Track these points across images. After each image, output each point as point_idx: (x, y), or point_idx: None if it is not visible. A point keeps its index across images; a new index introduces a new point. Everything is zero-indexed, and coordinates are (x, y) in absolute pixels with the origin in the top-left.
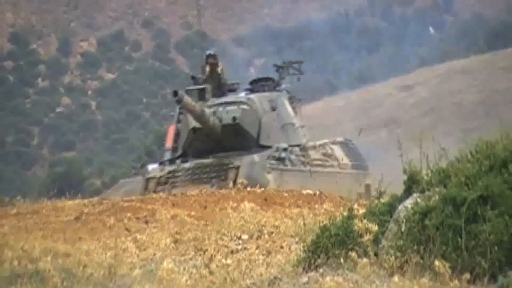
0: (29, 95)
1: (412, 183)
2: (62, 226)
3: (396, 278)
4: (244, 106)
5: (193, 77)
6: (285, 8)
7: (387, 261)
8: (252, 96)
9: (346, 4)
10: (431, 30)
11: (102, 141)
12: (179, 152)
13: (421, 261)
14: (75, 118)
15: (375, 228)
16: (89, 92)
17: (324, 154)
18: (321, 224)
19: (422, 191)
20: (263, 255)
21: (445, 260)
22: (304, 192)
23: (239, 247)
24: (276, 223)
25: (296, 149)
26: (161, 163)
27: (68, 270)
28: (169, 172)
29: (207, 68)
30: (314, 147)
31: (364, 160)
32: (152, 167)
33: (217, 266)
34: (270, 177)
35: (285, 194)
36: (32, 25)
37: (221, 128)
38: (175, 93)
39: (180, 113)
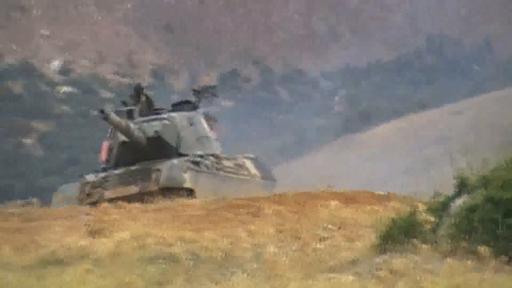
0: None
1: (461, 186)
2: (190, 219)
3: (448, 260)
4: (165, 122)
5: (123, 102)
6: (361, 49)
7: (441, 247)
8: (172, 114)
9: (408, 46)
10: (476, 67)
11: None
12: (112, 163)
13: (468, 247)
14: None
15: (433, 220)
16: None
17: (236, 165)
18: (391, 218)
19: (469, 192)
20: (346, 241)
21: (486, 246)
22: (376, 193)
23: (327, 235)
24: (356, 217)
25: (211, 157)
26: (96, 172)
27: (195, 253)
28: (102, 178)
29: (138, 95)
30: (227, 158)
31: (272, 173)
32: (88, 175)
33: (309, 250)
34: (186, 176)
35: (364, 195)
36: (167, 63)
37: (146, 140)
38: (102, 111)
39: (112, 131)
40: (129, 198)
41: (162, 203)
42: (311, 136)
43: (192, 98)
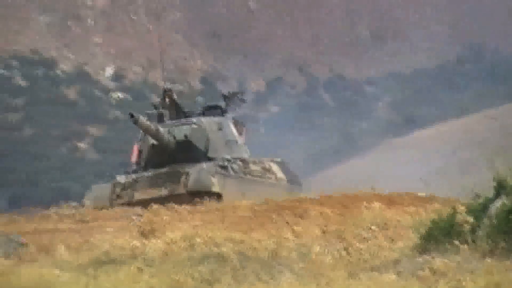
0: None
1: (500, 188)
2: (238, 220)
3: (488, 260)
4: (194, 126)
5: (154, 105)
6: (404, 57)
7: (481, 247)
8: (201, 118)
9: (449, 53)
10: None
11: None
12: (142, 164)
13: (507, 247)
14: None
15: (472, 221)
16: (260, 121)
17: (263, 168)
18: (431, 219)
19: (508, 194)
20: (388, 242)
21: None
22: (418, 195)
23: (370, 235)
24: (398, 218)
25: (239, 161)
26: (126, 173)
27: (243, 252)
28: (132, 179)
29: (166, 99)
30: (254, 162)
31: (298, 177)
32: (119, 176)
33: (353, 250)
34: (214, 180)
35: (406, 196)
36: (216, 70)
37: (175, 143)
38: (132, 115)
39: (143, 134)
40: (157, 201)
41: (210, 205)
42: (355, 139)
43: (221, 103)
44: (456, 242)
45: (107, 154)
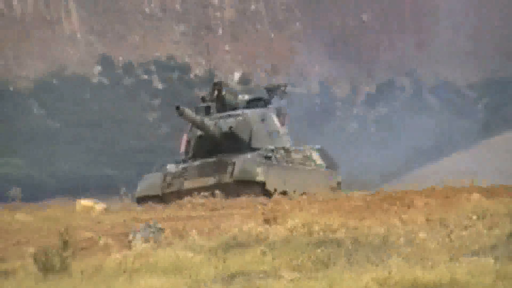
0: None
1: None
2: (352, 209)
3: None
4: (239, 118)
5: (202, 98)
6: (501, 63)
7: None
8: (245, 111)
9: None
10: None
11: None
12: (190, 154)
13: None
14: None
15: None
16: (369, 121)
17: (304, 156)
18: None
19: None
20: (486, 229)
21: None
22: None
23: (470, 223)
24: (495, 208)
25: (281, 151)
26: (177, 162)
27: (356, 238)
28: (182, 169)
29: (215, 92)
30: (295, 150)
31: (336, 163)
32: (169, 165)
33: (455, 236)
34: (259, 170)
35: (502, 189)
36: (332, 74)
37: (221, 135)
38: (177, 108)
39: (191, 125)
40: (206, 189)
41: (328, 195)
42: (456, 138)
43: (265, 96)
44: None
45: None
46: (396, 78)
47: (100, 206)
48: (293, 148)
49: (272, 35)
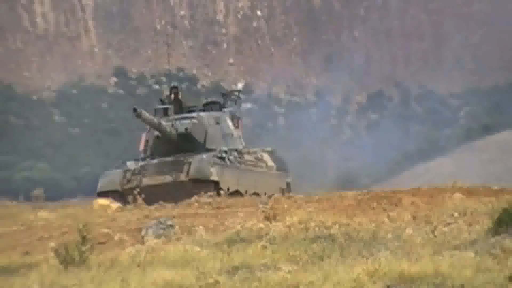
0: None
1: None
2: (344, 207)
3: None
4: (195, 120)
5: (161, 100)
6: (482, 75)
7: None
8: (201, 113)
9: None
10: None
11: None
12: (149, 153)
13: None
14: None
15: None
16: (360, 127)
17: (256, 158)
18: (503, 207)
19: None
20: (467, 226)
21: None
22: (493, 188)
23: (452, 220)
24: (475, 206)
25: (234, 152)
26: (136, 160)
27: (348, 233)
28: (141, 166)
29: (172, 95)
30: (248, 152)
31: (286, 165)
32: (129, 162)
33: (438, 232)
34: (213, 170)
35: (482, 189)
36: (327, 85)
37: (177, 136)
38: (135, 110)
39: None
40: (163, 187)
41: (323, 194)
42: (440, 143)
43: (220, 100)
44: None
45: None
46: (385, 88)
47: (115, 205)
48: (246, 150)
49: (272, 50)
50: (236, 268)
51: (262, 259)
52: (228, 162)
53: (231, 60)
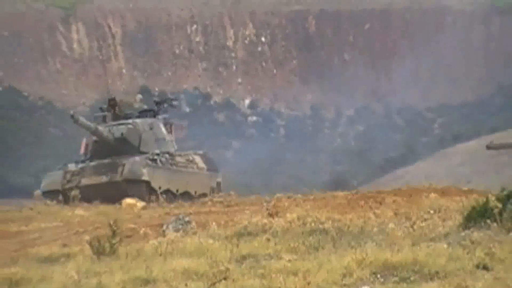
0: None
1: None
2: (336, 205)
3: (511, 234)
4: (130, 126)
5: (101, 108)
6: (453, 91)
7: (506, 225)
8: (136, 120)
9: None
10: None
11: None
12: (88, 156)
13: None
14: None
15: (500, 206)
16: (349, 137)
17: (187, 160)
18: (471, 205)
19: None
20: (441, 221)
21: None
22: (463, 188)
23: (428, 216)
24: (448, 204)
25: (166, 155)
26: (76, 162)
27: (339, 228)
28: (80, 168)
29: (108, 104)
30: (180, 155)
31: (217, 166)
32: (70, 164)
33: (416, 226)
34: (145, 171)
35: (453, 190)
36: (321, 100)
37: (114, 140)
38: (72, 116)
39: None
40: (100, 186)
41: (318, 194)
42: (418, 150)
43: (154, 108)
44: (488, 221)
45: (246, 161)
46: (371, 103)
47: (140, 204)
48: (178, 152)
49: (274, 71)
50: (244, 258)
51: (266, 250)
52: (160, 164)
53: (239, 80)
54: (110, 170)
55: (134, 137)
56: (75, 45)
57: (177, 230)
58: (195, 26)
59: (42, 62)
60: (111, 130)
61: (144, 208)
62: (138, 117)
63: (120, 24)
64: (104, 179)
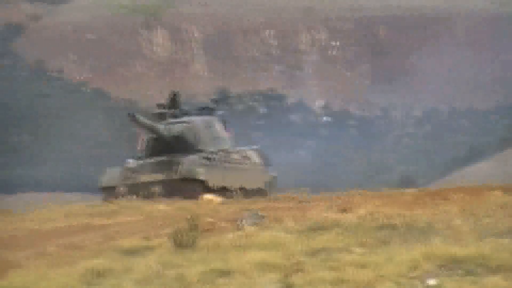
0: None
1: None
2: (404, 202)
3: None
4: (187, 124)
5: (158, 105)
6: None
7: None
8: (193, 118)
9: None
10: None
11: None
12: (146, 152)
13: None
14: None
15: None
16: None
17: (242, 156)
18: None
19: None
20: (505, 217)
21: None
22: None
23: (493, 213)
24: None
25: (221, 152)
26: (135, 159)
27: (407, 223)
28: (139, 165)
29: (169, 100)
30: (235, 151)
31: (271, 161)
32: (129, 160)
33: (481, 222)
34: (200, 170)
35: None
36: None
37: (171, 138)
38: (129, 114)
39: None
40: (156, 183)
41: (387, 191)
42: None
43: (212, 106)
44: None
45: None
46: (438, 105)
47: (218, 200)
48: (233, 149)
49: (347, 73)
50: (316, 251)
51: (337, 244)
52: (215, 162)
53: (313, 82)
54: (167, 168)
55: (191, 135)
56: (157, 49)
57: (252, 224)
58: (270, 30)
59: (127, 65)
60: (170, 128)
61: (221, 203)
62: (197, 114)
63: (199, 28)
64: (160, 176)
